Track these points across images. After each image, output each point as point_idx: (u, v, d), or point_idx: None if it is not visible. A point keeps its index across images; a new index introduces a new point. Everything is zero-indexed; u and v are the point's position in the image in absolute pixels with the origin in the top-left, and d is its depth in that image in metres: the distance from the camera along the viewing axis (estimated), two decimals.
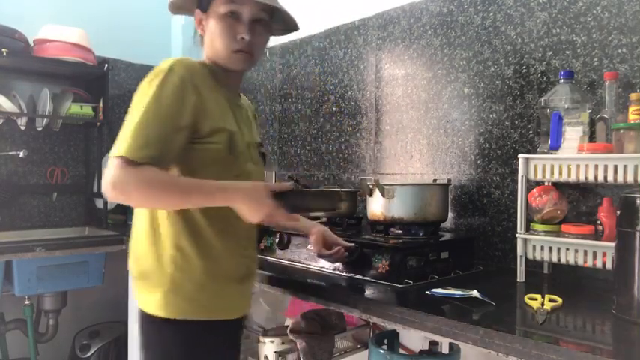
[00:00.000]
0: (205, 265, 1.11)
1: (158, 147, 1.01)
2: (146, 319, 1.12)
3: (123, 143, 0.99)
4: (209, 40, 1.15)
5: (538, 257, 1.32)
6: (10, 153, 2.37)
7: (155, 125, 1.01)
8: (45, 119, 2.38)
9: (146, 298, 1.12)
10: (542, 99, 1.39)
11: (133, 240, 1.17)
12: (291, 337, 1.57)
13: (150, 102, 1.02)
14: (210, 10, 1.14)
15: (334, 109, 2.14)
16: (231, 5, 1.11)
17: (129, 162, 0.98)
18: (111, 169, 0.99)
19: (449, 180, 1.66)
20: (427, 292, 1.17)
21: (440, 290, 1.16)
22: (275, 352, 1.62)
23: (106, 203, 2.44)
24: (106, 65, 2.41)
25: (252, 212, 1.04)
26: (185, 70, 1.07)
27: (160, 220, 1.11)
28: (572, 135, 1.30)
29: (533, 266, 1.37)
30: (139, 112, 1.02)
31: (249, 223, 1.08)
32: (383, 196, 1.49)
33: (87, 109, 2.41)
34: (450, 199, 1.62)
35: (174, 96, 1.04)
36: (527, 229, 1.35)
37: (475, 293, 1.11)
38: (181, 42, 2.98)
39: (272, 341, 1.65)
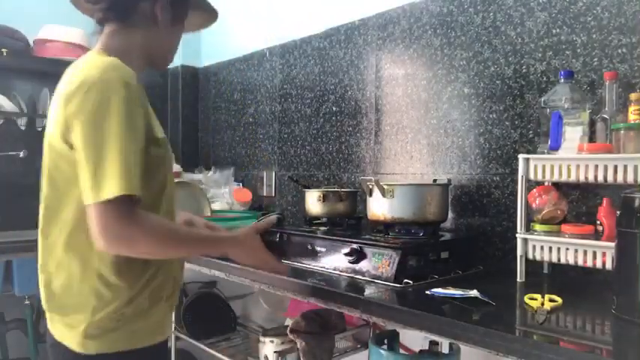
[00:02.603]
0: (129, 287, 0.99)
1: (139, 181, 0.90)
2: (65, 354, 1.00)
3: (106, 182, 0.86)
4: (159, 35, 1.09)
5: (538, 257, 1.32)
6: (10, 153, 2.37)
7: (133, 153, 0.90)
8: (45, 119, 2.38)
9: (64, 332, 1.00)
10: (542, 99, 1.39)
11: (47, 272, 1.01)
12: (291, 337, 1.57)
13: (121, 123, 0.89)
14: (180, 12, 1.12)
15: (334, 109, 2.14)
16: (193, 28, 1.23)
17: (125, 209, 0.87)
18: (105, 218, 0.87)
19: (449, 180, 1.66)
20: (427, 292, 1.17)
21: (440, 290, 1.16)
22: (275, 352, 1.62)
23: None
24: None
25: (246, 258, 1.14)
26: (131, 76, 0.95)
27: (82, 245, 0.96)
28: (572, 135, 1.30)
29: (533, 266, 1.37)
30: (110, 139, 0.88)
31: None
32: (383, 196, 1.49)
33: None
34: (450, 199, 1.62)
35: (137, 110, 0.93)
36: (527, 229, 1.35)
37: (475, 293, 1.10)
38: (181, 43, 2.98)
39: (272, 341, 1.66)
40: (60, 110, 0.94)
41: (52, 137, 0.97)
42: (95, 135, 0.88)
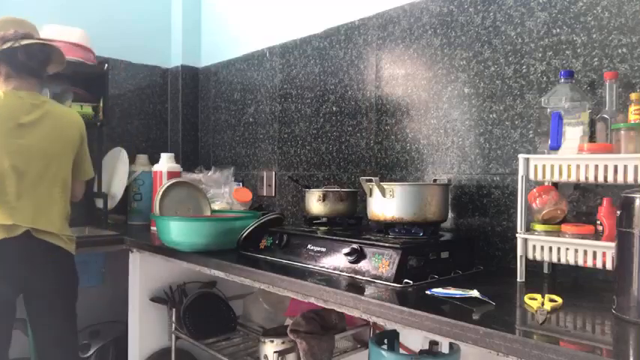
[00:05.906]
0: None
1: None
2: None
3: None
4: None
5: (538, 257, 1.32)
6: None
7: None
8: None
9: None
10: (542, 99, 1.39)
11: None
12: (291, 337, 1.58)
13: None
14: None
15: (334, 109, 2.14)
16: None
17: None
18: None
19: (449, 180, 1.66)
20: (427, 292, 1.17)
21: (440, 290, 1.16)
22: (275, 352, 1.62)
23: (106, 203, 2.44)
24: (106, 65, 2.41)
25: None
26: None
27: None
28: (572, 135, 1.30)
29: (533, 266, 1.37)
30: None
31: None
32: (383, 196, 1.49)
33: (87, 109, 2.40)
34: (450, 199, 1.62)
35: None
36: (527, 229, 1.35)
37: (475, 293, 1.11)
38: (181, 43, 2.98)
39: (272, 341, 1.66)
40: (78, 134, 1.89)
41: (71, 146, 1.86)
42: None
